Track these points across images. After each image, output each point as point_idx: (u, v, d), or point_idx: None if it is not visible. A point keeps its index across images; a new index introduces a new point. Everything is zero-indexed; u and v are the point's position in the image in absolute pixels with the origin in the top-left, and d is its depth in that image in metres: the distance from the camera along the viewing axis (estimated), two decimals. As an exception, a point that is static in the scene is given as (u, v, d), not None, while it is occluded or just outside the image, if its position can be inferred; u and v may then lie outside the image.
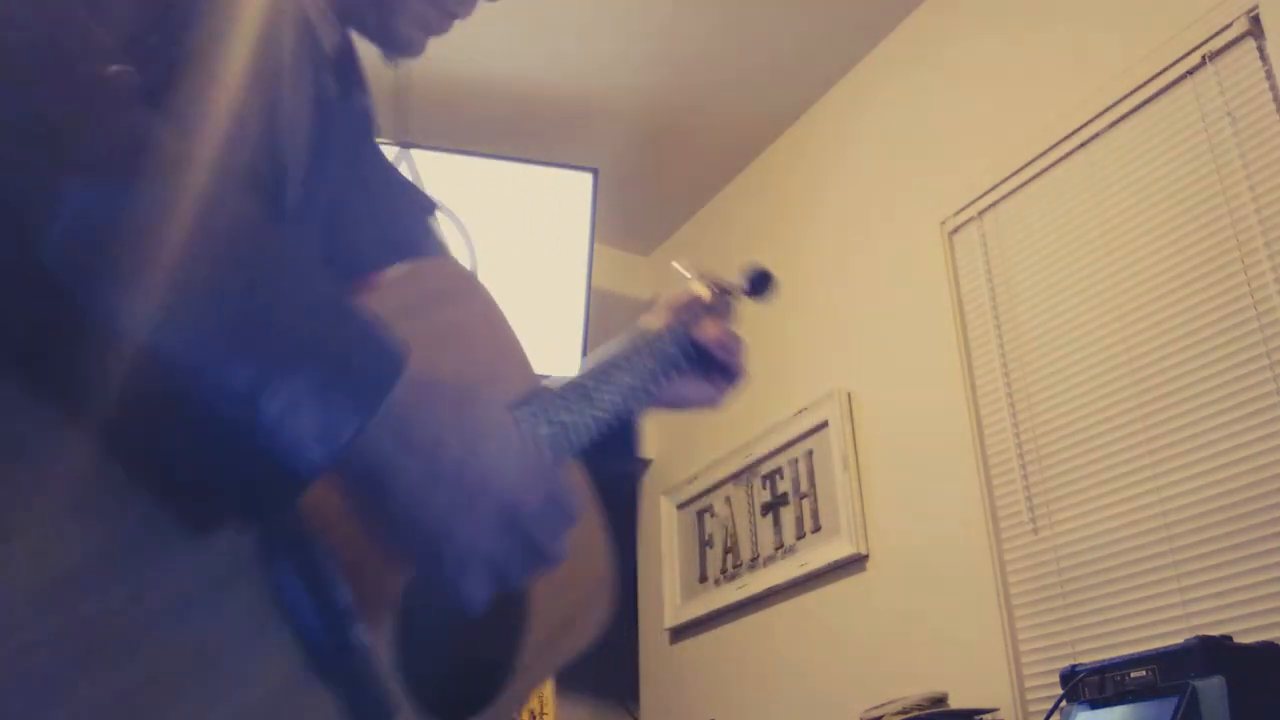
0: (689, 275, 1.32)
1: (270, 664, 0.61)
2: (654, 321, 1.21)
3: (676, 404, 1.21)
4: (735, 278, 1.35)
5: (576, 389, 0.95)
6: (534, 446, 0.69)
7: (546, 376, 0.96)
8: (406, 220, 0.99)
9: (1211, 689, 1.44)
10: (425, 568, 0.64)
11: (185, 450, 0.56)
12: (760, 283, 1.38)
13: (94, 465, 0.54)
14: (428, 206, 1.01)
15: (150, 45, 0.64)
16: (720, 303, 1.29)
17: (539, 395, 0.90)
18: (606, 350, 1.07)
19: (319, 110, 0.80)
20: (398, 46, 0.92)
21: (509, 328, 0.93)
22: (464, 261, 3.22)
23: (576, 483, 0.93)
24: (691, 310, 1.23)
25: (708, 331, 1.21)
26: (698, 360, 1.20)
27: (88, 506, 0.53)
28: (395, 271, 0.78)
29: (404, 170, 3.19)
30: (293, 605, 0.62)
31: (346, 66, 0.91)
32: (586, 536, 0.92)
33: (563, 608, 0.87)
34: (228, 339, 0.55)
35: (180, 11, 0.67)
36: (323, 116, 0.81)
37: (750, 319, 3.59)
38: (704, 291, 1.27)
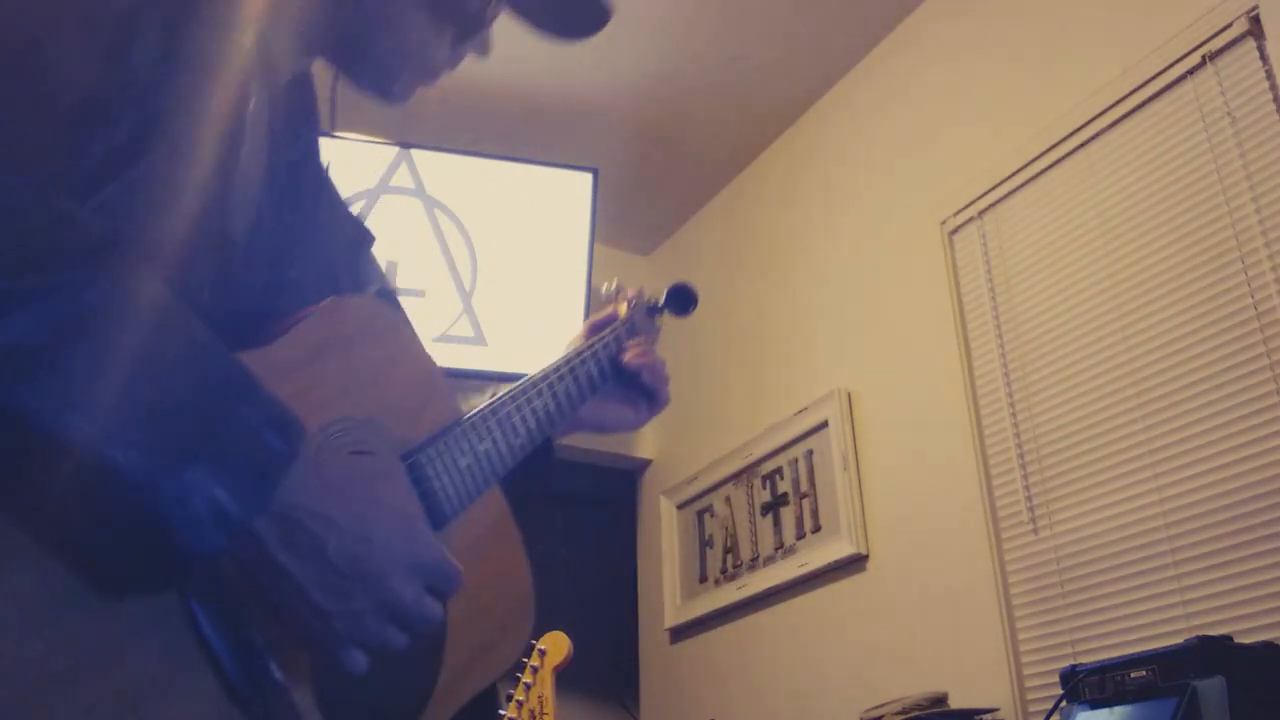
0: (612, 295, 1.34)
1: (195, 701, 0.65)
2: (576, 343, 1.23)
3: (598, 427, 1.24)
4: (659, 295, 1.37)
5: (495, 416, 0.99)
6: (420, 530, 0.74)
7: (465, 413, 0.98)
8: (345, 254, 1.02)
9: (1211, 689, 1.44)
10: (306, 642, 0.71)
11: (86, 527, 0.59)
12: (680, 299, 1.39)
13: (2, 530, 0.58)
14: (366, 239, 1.05)
15: (112, 110, 0.67)
16: (643, 323, 1.30)
17: (457, 428, 0.93)
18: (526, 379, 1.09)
19: (268, 149, 0.85)
20: (388, 101, 0.97)
21: (429, 361, 0.96)
22: (465, 262, 3.21)
23: (495, 508, 0.96)
24: (613, 331, 1.24)
25: (631, 355, 1.23)
26: (620, 383, 1.23)
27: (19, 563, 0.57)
28: (320, 308, 0.82)
29: (404, 171, 3.19)
30: (211, 646, 0.66)
31: (298, 99, 0.95)
32: (504, 561, 0.95)
33: (483, 632, 0.91)
34: (127, 429, 0.59)
35: (143, 76, 0.69)
36: (270, 154, 0.85)
37: (750, 319, 3.61)
38: (622, 310, 1.29)
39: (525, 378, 1.08)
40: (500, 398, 1.02)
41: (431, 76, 0.97)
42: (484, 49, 0.99)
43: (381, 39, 0.91)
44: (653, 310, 1.35)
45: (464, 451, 0.92)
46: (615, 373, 1.22)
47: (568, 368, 1.14)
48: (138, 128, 0.68)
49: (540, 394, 1.08)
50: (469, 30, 0.95)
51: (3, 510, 0.57)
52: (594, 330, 1.25)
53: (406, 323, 0.95)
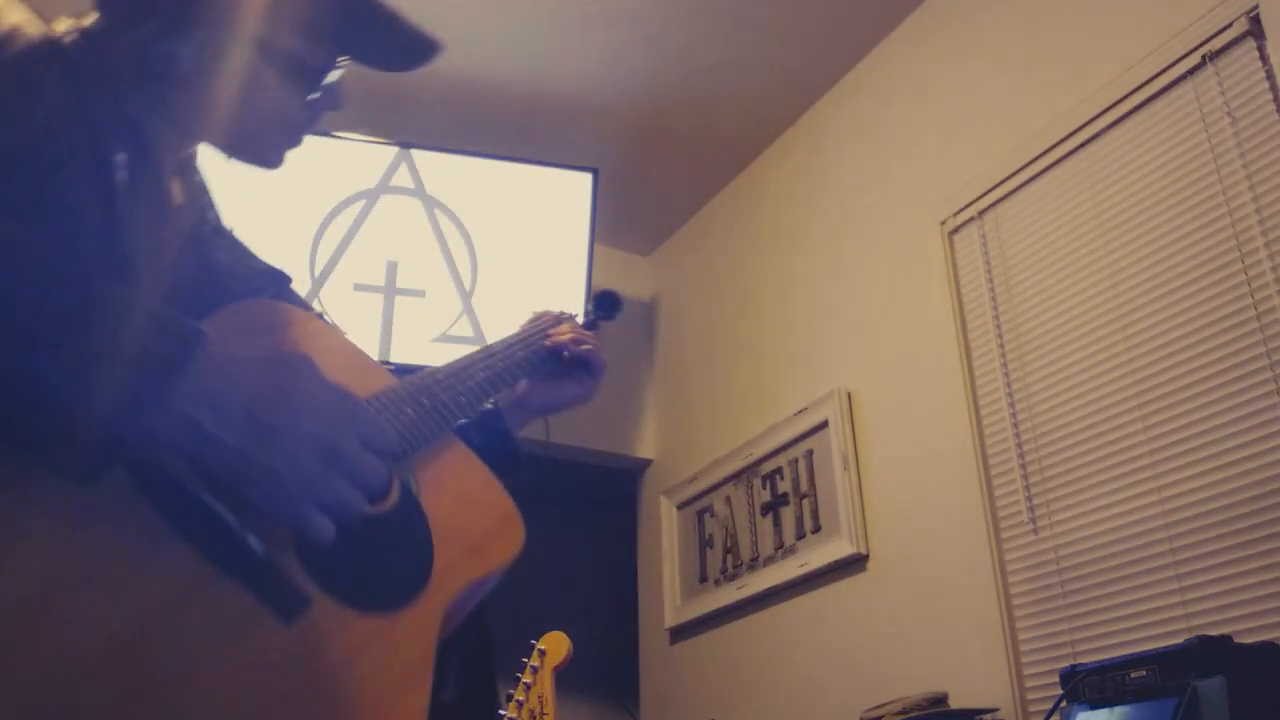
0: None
1: (170, 566, 0.72)
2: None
3: (550, 407, 1.38)
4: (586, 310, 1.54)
5: (436, 380, 1.10)
6: (342, 394, 0.81)
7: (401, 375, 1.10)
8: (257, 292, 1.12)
9: (1212, 689, 1.44)
10: (272, 517, 0.76)
11: (29, 422, 0.69)
12: (606, 304, 1.56)
13: None
14: (283, 280, 1.13)
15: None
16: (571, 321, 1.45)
17: (401, 388, 1.04)
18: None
19: (161, 214, 0.97)
20: (267, 167, 1.05)
21: (364, 354, 1.07)
22: (465, 262, 3.24)
23: (458, 451, 1.07)
24: (546, 324, 1.40)
25: (559, 333, 1.38)
26: (556, 362, 1.37)
27: None
28: (240, 304, 0.93)
29: (404, 171, 3.19)
30: (179, 522, 0.74)
31: (188, 170, 1.06)
32: (475, 486, 1.06)
33: (470, 538, 0.99)
34: (42, 344, 0.69)
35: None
36: (166, 219, 0.97)
37: (750, 319, 3.61)
38: (554, 310, 1.45)
39: (465, 357, 1.21)
40: (441, 370, 1.14)
41: (296, 136, 1.04)
42: (337, 103, 1.06)
43: (245, 108, 0.98)
44: (590, 323, 1.52)
45: (409, 405, 1.02)
46: (546, 355, 1.36)
47: (502, 351, 1.28)
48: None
49: (478, 368, 1.20)
50: (315, 82, 1.02)
51: None
52: (533, 322, 1.41)
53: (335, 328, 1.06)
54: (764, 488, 3.12)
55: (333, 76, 1.04)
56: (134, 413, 0.71)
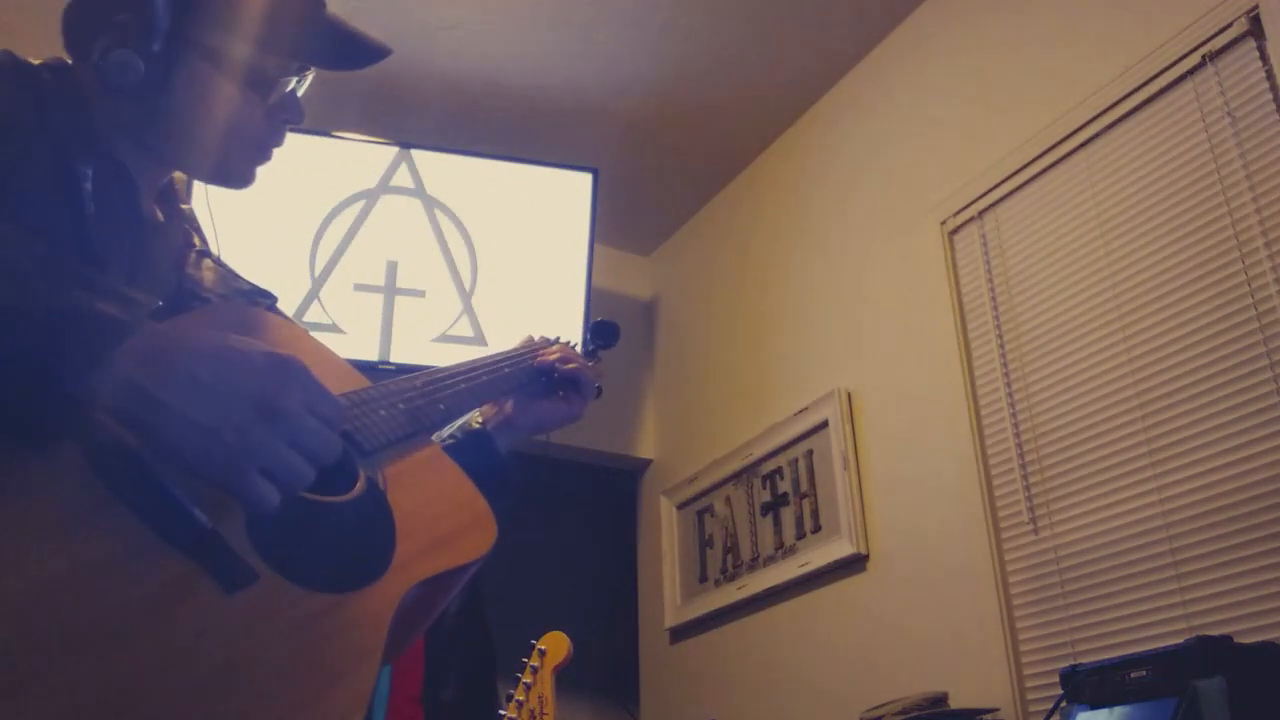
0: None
1: (112, 532, 0.71)
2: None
3: (540, 425, 1.39)
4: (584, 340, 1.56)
5: (414, 386, 1.10)
6: (287, 359, 0.80)
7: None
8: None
9: (1212, 689, 1.44)
10: (212, 480, 0.75)
11: None
12: (604, 333, 1.59)
13: None
14: (268, 298, 1.14)
15: None
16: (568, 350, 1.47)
17: (377, 390, 1.05)
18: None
19: (143, 233, 0.99)
20: (236, 186, 1.06)
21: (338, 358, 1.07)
22: (465, 262, 3.26)
23: (428, 450, 1.07)
24: (537, 345, 1.43)
25: (548, 353, 1.40)
26: (545, 381, 1.39)
27: None
28: (219, 304, 0.95)
29: (404, 171, 3.19)
30: (127, 491, 0.73)
31: (169, 199, 1.08)
32: (446, 484, 1.06)
33: (438, 531, 0.99)
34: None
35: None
36: (148, 238, 1.00)
37: (751, 319, 3.61)
38: (548, 336, 1.47)
39: (448, 367, 1.21)
40: (420, 377, 1.14)
41: (262, 151, 1.06)
42: (298, 114, 1.07)
43: (204, 120, 1.00)
44: (590, 353, 1.54)
45: (383, 406, 1.02)
46: (534, 373, 1.38)
47: (487, 364, 1.30)
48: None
49: (459, 379, 1.20)
50: (269, 91, 1.03)
51: None
52: (527, 343, 1.45)
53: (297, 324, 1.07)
54: (764, 488, 3.12)
55: (292, 86, 1.05)
56: (78, 372, 0.71)
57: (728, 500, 3.26)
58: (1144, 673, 1.55)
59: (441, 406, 1.12)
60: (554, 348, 1.42)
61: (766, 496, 3.10)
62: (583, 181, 3.32)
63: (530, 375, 1.37)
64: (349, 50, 1.09)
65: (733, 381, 3.41)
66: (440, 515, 1.00)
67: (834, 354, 2.98)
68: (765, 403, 3.19)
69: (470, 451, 1.26)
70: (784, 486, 3.04)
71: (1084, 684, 1.64)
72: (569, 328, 3.23)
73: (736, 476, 3.23)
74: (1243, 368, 1.92)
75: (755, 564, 3.08)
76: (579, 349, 1.51)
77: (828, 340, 3.01)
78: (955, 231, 2.62)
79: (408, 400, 1.06)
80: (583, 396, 1.41)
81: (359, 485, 0.91)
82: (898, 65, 2.96)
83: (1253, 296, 1.92)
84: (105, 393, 0.72)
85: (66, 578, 0.68)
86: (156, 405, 0.72)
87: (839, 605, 2.75)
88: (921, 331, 2.65)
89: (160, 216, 1.06)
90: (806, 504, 2.93)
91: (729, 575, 3.17)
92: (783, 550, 2.99)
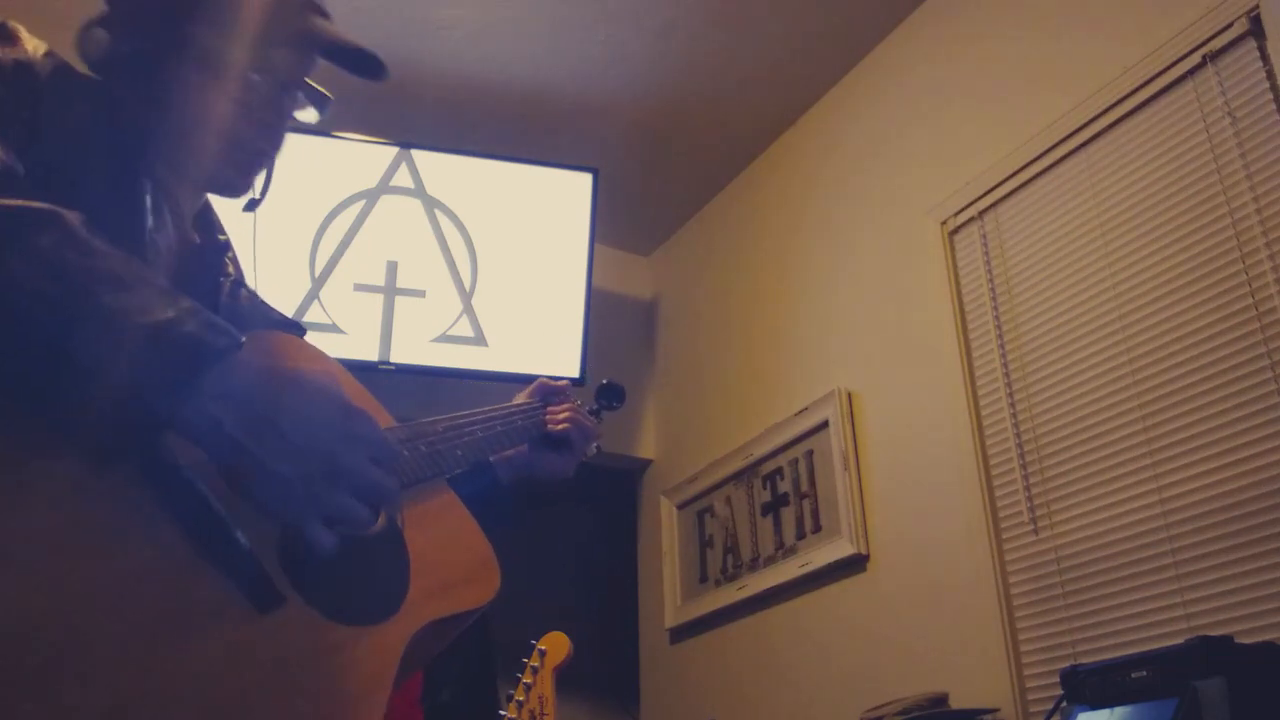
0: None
1: (158, 547, 0.75)
2: (519, 400, 1.48)
3: (534, 473, 1.46)
4: (564, 380, 1.60)
5: (436, 431, 1.15)
6: (357, 410, 0.84)
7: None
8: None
9: (1212, 689, 1.44)
10: (278, 519, 0.80)
11: (73, 395, 0.72)
12: (610, 395, 1.65)
13: None
14: (297, 330, 1.17)
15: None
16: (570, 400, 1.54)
17: (400, 433, 1.09)
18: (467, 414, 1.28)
19: (186, 254, 1.02)
20: (229, 192, 1.08)
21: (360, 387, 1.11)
22: (465, 262, 3.26)
23: (443, 495, 1.12)
24: (550, 397, 1.50)
25: (557, 411, 1.48)
26: (545, 435, 1.46)
27: None
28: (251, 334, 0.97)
29: (404, 171, 3.19)
30: (175, 509, 0.77)
31: (207, 224, 1.11)
32: (457, 529, 1.11)
33: (447, 574, 1.03)
34: (89, 325, 0.73)
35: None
36: (188, 259, 1.02)
37: (751, 319, 3.60)
38: (565, 383, 1.55)
39: (465, 412, 1.27)
40: (441, 421, 1.20)
41: (255, 159, 1.07)
42: (287, 123, 1.08)
43: (196, 122, 1.01)
44: (594, 411, 1.61)
45: (406, 448, 1.07)
46: (543, 437, 1.46)
47: (504, 414, 1.37)
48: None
49: (476, 426, 1.27)
50: (266, 101, 1.04)
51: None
52: (539, 391, 1.51)
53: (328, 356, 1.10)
54: (764, 488, 3.12)
55: (289, 99, 1.07)
56: (165, 396, 0.74)
57: (728, 500, 3.26)
58: (1144, 673, 1.55)
59: (459, 453, 1.18)
60: (563, 410, 1.49)
61: (767, 497, 3.10)
62: (583, 181, 3.32)
63: (539, 431, 1.46)
64: (349, 67, 1.09)
65: (733, 381, 3.40)
66: (450, 559, 1.05)
67: (834, 354, 2.97)
68: (765, 403, 3.19)
69: (474, 480, 1.32)
70: (784, 487, 3.04)
71: (1084, 684, 1.64)
72: (569, 330, 3.23)
73: (737, 476, 3.23)
74: (1243, 368, 1.92)
75: (755, 564, 3.08)
76: (581, 402, 1.58)
77: (828, 340, 3.01)
78: (955, 231, 2.62)
79: (429, 444, 1.12)
80: (575, 457, 1.50)
81: (380, 521, 0.96)
82: (898, 65, 2.96)
83: (1253, 296, 1.92)
84: (187, 420, 0.75)
85: (109, 584, 0.71)
86: (241, 451, 0.76)
87: (839, 605, 2.75)
88: (921, 331, 2.65)
89: (196, 239, 1.07)
90: (807, 504, 2.93)
91: (729, 575, 3.17)
92: (783, 550, 2.98)
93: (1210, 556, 1.90)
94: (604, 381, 1.68)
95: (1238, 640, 1.60)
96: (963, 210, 2.59)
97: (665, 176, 3.60)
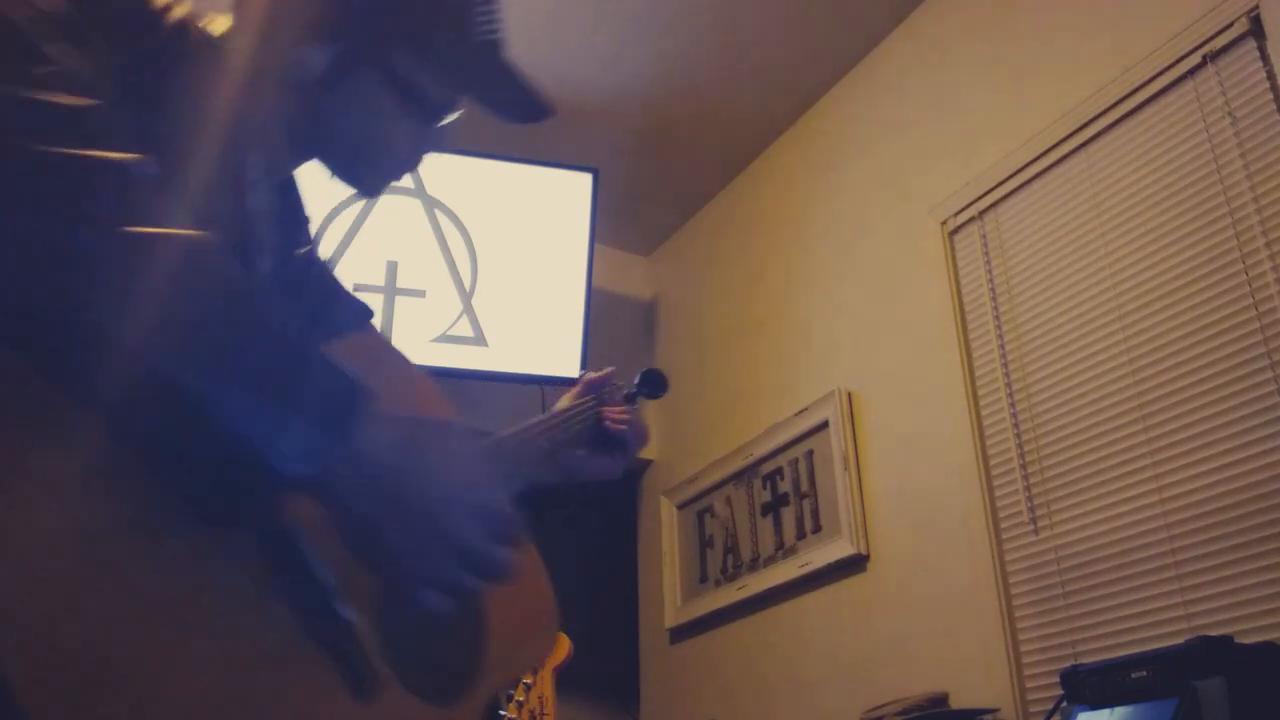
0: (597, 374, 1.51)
1: (268, 622, 0.72)
2: (566, 401, 1.42)
3: (585, 474, 1.41)
4: (613, 373, 1.54)
5: (508, 453, 1.13)
6: (482, 470, 0.82)
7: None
8: (347, 324, 1.12)
9: (1212, 689, 1.44)
10: (385, 579, 0.78)
11: (195, 452, 0.69)
12: (653, 383, 1.58)
13: (109, 450, 0.66)
14: (366, 314, 1.16)
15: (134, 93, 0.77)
16: (614, 398, 1.49)
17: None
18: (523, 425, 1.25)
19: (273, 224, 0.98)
20: (367, 195, 1.05)
21: (435, 392, 1.09)
22: (465, 262, 3.27)
23: (519, 537, 1.08)
24: (601, 392, 1.44)
25: (612, 411, 1.43)
26: (599, 435, 1.42)
27: (102, 483, 0.65)
28: (347, 339, 0.95)
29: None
30: (285, 579, 0.74)
31: (290, 192, 1.07)
32: (532, 569, 1.09)
33: (519, 626, 1.02)
34: (230, 367, 0.69)
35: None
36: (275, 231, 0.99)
37: (751, 319, 3.59)
38: (609, 371, 1.49)
39: (525, 423, 1.24)
40: (509, 440, 1.17)
41: (401, 170, 1.04)
42: (444, 145, 1.06)
43: (364, 130, 0.98)
44: (630, 396, 1.55)
45: None
46: (597, 434, 1.41)
47: (562, 420, 1.33)
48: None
49: (539, 437, 1.25)
50: (431, 120, 1.02)
51: (113, 444, 0.66)
52: (588, 388, 1.44)
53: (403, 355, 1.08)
54: (764, 488, 3.12)
55: (448, 118, 1.03)
56: (307, 455, 0.71)
57: (728, 500, 3.26)
58: (1144, 673, 1.55)
59: (526, 470, 1.16)
60: (621, 410, 1.44)
61: (767, 497, 3.10)
62: (583, 181, 3.32)
63: (595, 432, 1.41)
64: (514, 100, 1.07)
65: (733, 381, 3.40)
66: (520, 614, 1.03)
67: (834, 354, 2.97)
68: (765, 403, 3.19)
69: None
70: (784, 487, 3.04)
71: (1084, 684, 1.64)
72: (569, 330, 3.23)
73: (737, 477, 3.23)
74: (1243, 368, 1.92)
75: (755, 564, 3.08)
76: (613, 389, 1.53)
77: (828, 340, 3.01)
78: (955, 231, 2.62)
79: (505, 470, 1.09)
80: (627, 459, 1.45)
81: None
82: (897, 65, 2.96)
83: (1253, 296, 1.92)
84: (322, 482, 0.73)
85: (219, 663, 0.68)
86: (352, 509, 0.74)
87: (839, 605, 2.75)
88: (921, 331, 2.65)
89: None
90: (807, 504, 2.93)
91: (729, 575, 3.17)
92: (783, 550, 2.98)
93: (1210, 556, 1.90)
94: (647, 369, 1.60)
95: (1238, 640, 1.60)
96: (963, 210, 2.59)
97: (665, 176, 3.60)
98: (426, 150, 1.04)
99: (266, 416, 0.69)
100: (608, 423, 1.42)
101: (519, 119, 1.07)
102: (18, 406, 0.62)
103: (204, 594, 0.69)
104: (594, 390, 1.44)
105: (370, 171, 1.02)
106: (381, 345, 1.03)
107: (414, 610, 0.78)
